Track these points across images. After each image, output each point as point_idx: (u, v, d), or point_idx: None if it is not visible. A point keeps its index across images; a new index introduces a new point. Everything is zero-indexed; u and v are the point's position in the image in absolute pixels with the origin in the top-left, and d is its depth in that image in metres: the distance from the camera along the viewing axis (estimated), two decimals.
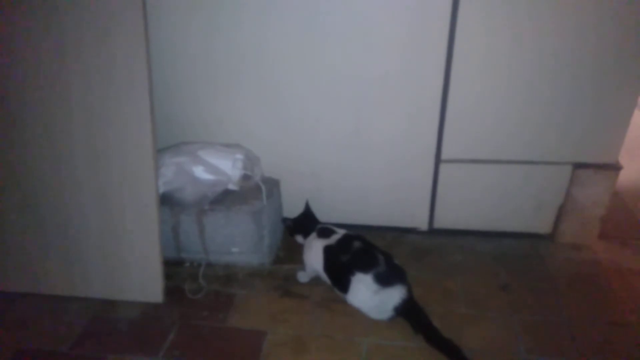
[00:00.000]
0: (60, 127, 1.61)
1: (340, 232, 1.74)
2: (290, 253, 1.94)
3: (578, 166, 1.81)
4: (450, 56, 1.67)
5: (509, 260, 1.89)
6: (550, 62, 1.65)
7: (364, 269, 1.57)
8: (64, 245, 1.71)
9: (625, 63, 1.62)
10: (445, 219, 2.01)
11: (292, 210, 1.96)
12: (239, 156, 1.82)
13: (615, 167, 1.79)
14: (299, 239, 1.88)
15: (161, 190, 1.74)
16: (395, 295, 1.54)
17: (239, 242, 1.85)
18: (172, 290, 1.77)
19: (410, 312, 1.55)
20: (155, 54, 1.61)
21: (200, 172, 1.77)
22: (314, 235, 1.78)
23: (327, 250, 1.67)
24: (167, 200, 1.77)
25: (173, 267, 1.86)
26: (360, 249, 1.64)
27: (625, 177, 1.83)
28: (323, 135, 1.89)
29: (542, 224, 1.97)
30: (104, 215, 1.67)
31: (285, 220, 1.93)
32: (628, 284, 1.76)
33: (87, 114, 1.59)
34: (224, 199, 1.81)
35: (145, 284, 1.71)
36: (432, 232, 2.04)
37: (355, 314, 1.62)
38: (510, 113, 1.76)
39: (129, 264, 1.70)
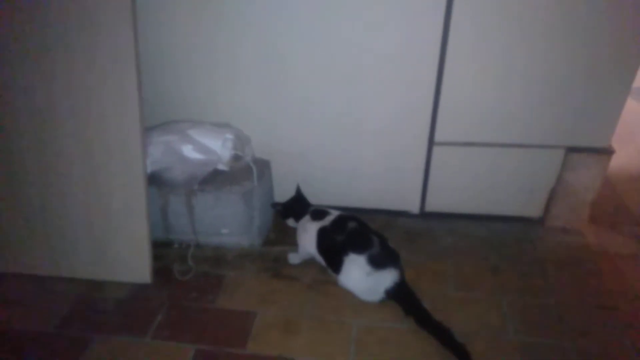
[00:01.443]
0: (44, 104, 1.56)
1: (334, 213, 1.72)
2: (281, 234, 1.92)
3: (571, 150, 1.80)
4: (445, 39, 1.65)
5: (500, 243, 1.90)
6: (545, 47, 1.63)
7: (358, 250, 1.56)
8: (48, 225, 1.67)
9: (620, 48, 1.60)
10: (437, 203, 2.00)
11: (283, 191, 1.94)
12: (229, 136, 1.78)
13: (608, 152, 1.79)
14: (291, 222, 1.86)
15: (149, 169, 1.70)
16: (387, 278, 1.54)
17: (228, 223, 1.82)
18: (161, 271, 1.74)
19: (401, 295, 1.55)
20: (143, 28, 1.56)
21: (189, 151, 1.74)
22: (307, 217, 1.76)
23: (321, 232, 1.66)
24: (155, 180, 1.74)
25: (162, 248, 1.84)
26: (354, 230, 1.63)
27: (615, 163, 1.84)
28: (316, 116, 1.86)
29: (533, 208, 1.97)
30: (90, 195, 1.63)
31: (275, 205, 1.91)
32: (616, 268, 1.77)
33: (70, 91, 1.54)
34: (214, 179, 1.78)
35: (133, 264, 1.69)
36: (424, 215, 2.03)
37: (345, 296, 1.62)
38: (504, 96, 1.74)
39: (117, 244, 1.67)
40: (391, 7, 1.63)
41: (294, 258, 1.79)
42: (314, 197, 1.91)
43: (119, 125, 1.56)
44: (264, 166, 1.91)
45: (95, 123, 1.56)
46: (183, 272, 1.75)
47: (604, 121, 1.75)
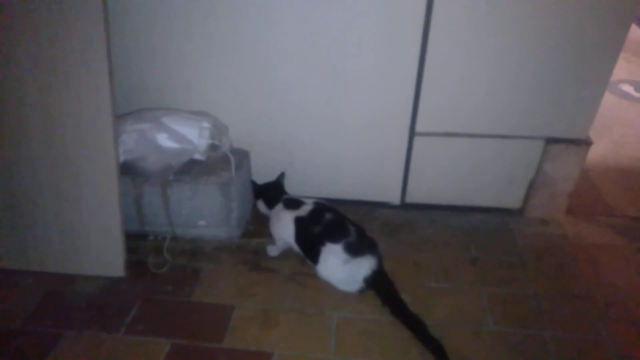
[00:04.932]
0: (10, 91, 1.48)
1: (309, 202, 1.69)
2: (260, 226, 1.89)
3: (550, 141, 1.81)
4: (427, 29, 1.62)
5: (480, 234, 1.90)
6: (526, 37, 1.62)
7: (334, 239, 1.54)
8: (17, 216, 1.60)
9: (598, 40, 1.61)
10: (418, 194, 1.99)
11: (262, 182, 1.90)
12: (206, 124, 1.73)
13: (586, 143, 1.80)
14: (261, 206, 1.83)
15: (122, 159, 1.64)
16: (365, 265, 1.52)
17: (206, 215, 1.78)
18: (135, 264, 1.69)
19: (379, 284, 1.53)
20: (117, 13, 1.49)
21: (164, 140, 1.68)
22: (280, 206, 1.73)
23: (298, 222, 1.63)
24: (128, 170, 1.67)
25: (136, 241, 1.78)
26: (331, 220, 1.60)
27: (591, 155, 1.85)
28: (296, 105, 1.82)
29: (512, 199, 1.98)
30: (59, 186, 1.56)
31: (253, 182, 1.88)
32: (593, 259, 1.79)
33: (38, 76, 1.47)
34: (190, 169, 1.73)
35: (105, 257, 1.63)
36: (405, 206, 2.02)
37: (325, 288, 1.59)
38: (485, 87, 1.73)
39: (88, 237, 1.61)
40: None
41: (272, 250, 1.76)
42: (295, 188, 1.87)
43: (89, 113, 1.50)
44: (242, 156, 1.86)
45: (64, 110, 1.50)
46: (158, 265, 1.70)
47: (583, 113, 1.76)
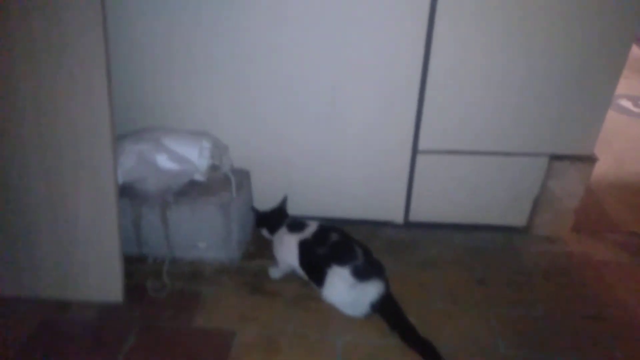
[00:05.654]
0: (6, 111, 1.45)
1: (314, 224, 1.65)
2: (261, 248, 1.84)
3: (554, 158, 1.79)
4: (429, 46, 1.62)
5: (485, 253, 1.86)
6: (529, 55, 1.62)
7: (341, 261, 1.50)
8: (10, 240, 1.55)
9: (602, 57, 1.61)
10: (421, 212, 1.96)
11: (263, 203, 1.86)
12: (207, 144, 1.70)
13: (591, 159, 1.79)
14: (265, 232, 1.78)
15: (121, 180, 1.60)
16: (372, 290, 1.48)
17: (206, 236, 1.74)
18: (133, 288, 1.64)
19: (386, 309, 1.49)
20: (116, 30, 1.48)
21: (163, 161, 1.64)
22: (284, 230, 1.69)
23: (303, 245, 1.59)
24: (127, 192, 1.64)
25: (134, 264, 1.73)
26: (337, 242, 1.57)
27: (594, 171, 1.84)
28: (297, 124, 1.80)
29: (517, 217, 1.95)
30: (56, 208, 1.52)
31: (254, 209, 1.84)
32: (601, 277, 1.76)
33: (35, 96, 1.44)
34: (190, 190, 1.69)
35: (103, 282, 1.58)
36: (408, 225, 1.99)
37: (329, 311, 1.55)
38: (489, 104, 1.72)
39: (85, 261, 1.56)
40: (375, 11, 1.59)
41: (274, 272, 1.71)
42: (296, 208, 1.84)
43: (88, 133, 1.47)
44: (243, 177, 1.83)
45: (62, 130, 1.46)
46: (157, 289, 1.65)
47: (587, 129, 1.75)
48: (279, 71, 1.70)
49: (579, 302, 1.64)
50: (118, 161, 1.57)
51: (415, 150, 1.81)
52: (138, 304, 1.59)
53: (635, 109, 3.18)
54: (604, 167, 2.47)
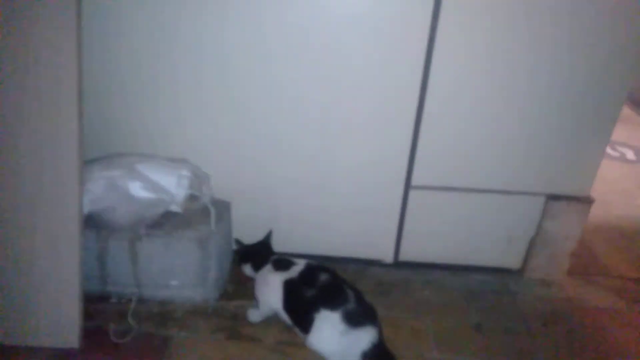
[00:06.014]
0: None
1: (301, 263, 1.52)
2: (241, 287, 1.69)
3: (551, 198, 1.73)
4: (425, 79, 1.56)
5: (479, 297, 1.76)
6: (526, 93, 1.58)
7: (331, 305, 1.36)
8: None
9: (599, 98, 1.59)
10: (412, 251, 1.86)
11: (243, 237, 1.71)
12: (186, 173, 1.56)
13: (588, 200, 1.74)
14: (247, 270, 1.63)
15: (86, 209, 1.44)
16: (364, 338, 1.33)
17: (179, 273, 1.58)
18: (93, 332, 1.45)
19: (379, 359, 1.34)
20: (91, 50, 1.36)
21: (136, 189, 1.50)
22: (268, 267, 1.55)
23: (288, 285, 1.45)
24: (93, 222, 1.47)
25: (96, 303, 1.55)
26: (327, 283, 1.43)
27: None
28: (283, 154, 1.69)
29: (511, 259, 1.87)
30: (5, 239, 1.34)
31: (238, 241, 1.69)
32: (599, 325, 1.68)
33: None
34: (165, 222, 1.54)
35: (57, 325, 1.39)
36: (398, 264, 1.87)
37: None
38: (485, 140, 1.66)
39: (38, 300, 1.37)
40: (371, 40, 1.53)
41: (254, 315, 1.55)
42: (280, 244, 1.70)
43: (52, 156, 1.32)
44: (223, 208, 1.69)
45: (23, 151, 1.31)
46: (121, 333, 1.47)
47: (584, 170, 1.72)
48: (265, 97, 1.61)
49: (580, 352, 1.55)
50: (85, 188, 1.42)
51: (408, 186, 1.73)
52: (97, 349, 1.41)
53: (614, 153, 3.24)
54: (591, 210, 2.45)
